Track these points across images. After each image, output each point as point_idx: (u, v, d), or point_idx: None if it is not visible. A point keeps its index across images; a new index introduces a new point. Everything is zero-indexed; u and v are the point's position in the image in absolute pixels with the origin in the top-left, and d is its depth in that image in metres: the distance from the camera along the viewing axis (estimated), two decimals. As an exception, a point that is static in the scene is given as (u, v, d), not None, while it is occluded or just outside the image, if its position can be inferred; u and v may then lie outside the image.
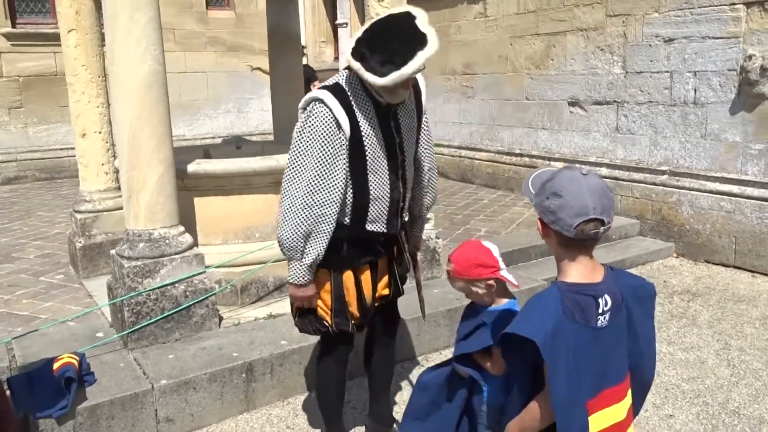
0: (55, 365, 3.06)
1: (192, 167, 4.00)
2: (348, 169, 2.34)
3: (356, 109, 2.32)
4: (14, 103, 9.75)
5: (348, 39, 10.73)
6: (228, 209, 4.14)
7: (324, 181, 2.30)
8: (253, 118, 11.88)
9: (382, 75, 2.15)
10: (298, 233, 2.33)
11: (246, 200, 4.13)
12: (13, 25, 9.68)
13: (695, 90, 5.62)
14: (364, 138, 2.33)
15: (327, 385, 2.80)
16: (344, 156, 2.31)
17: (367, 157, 2.36)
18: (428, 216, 4.55)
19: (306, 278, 2.42)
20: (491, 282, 2.16)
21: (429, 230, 4.55)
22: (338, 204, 2.34)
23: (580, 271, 1.72)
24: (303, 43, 11.57)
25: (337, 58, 12.12)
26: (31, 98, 9.73)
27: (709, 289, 5.05)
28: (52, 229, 6.53)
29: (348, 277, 2.52)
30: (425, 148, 2.70)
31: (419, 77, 2.54)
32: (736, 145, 5.38)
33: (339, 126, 2.28)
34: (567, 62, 6.86)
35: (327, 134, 2.27)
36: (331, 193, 2.31)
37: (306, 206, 2.31)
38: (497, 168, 8.03)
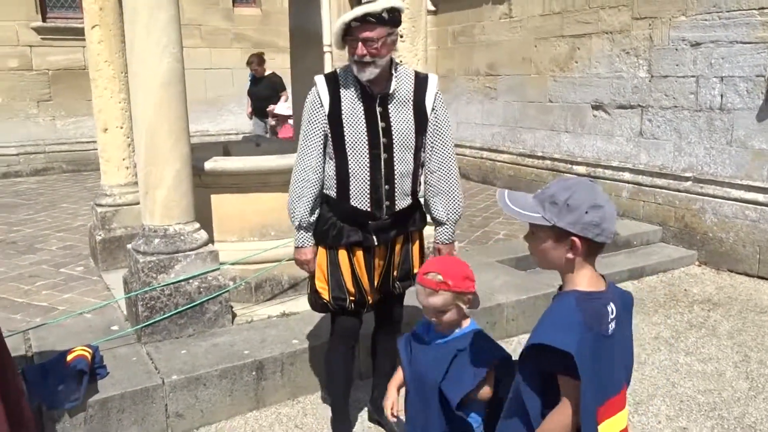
0: (69, 357, 3.10)
1: (209, 164, 4.03)
2: (327, 140, 2.65)
3: (342, 90, 2.61)
4: (43, 96, 9.92)
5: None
6: (244, 207, 4.16)
7: (305, 149, 2.66)
8: (277, 115, 11.91)
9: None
10: (293, 197, 2.71)
11: (262, 198, 4.14)
12: (44, 19, 9.85)
13: (722, 95, 5.51)
14: (343, 115, 2.60)
15: (333, 363, 2.98)
16: (322, 127, 2.63)
17: (345, 133, 2.60)
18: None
19: (299, 241, 2.77)
20: (470, 297, 2.12)
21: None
22: (318, 170, 2.68)
23: (591, 280, 1.69)
24: (328, 41, 11.58)
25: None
26: (59, 91, 9.89)
27: (731, 299, 4.95)
28: (75, 221, 6.64)
29: (342, 255, 2.74)
30: (435, 151, 2.74)
31: (431, 78, 2.72)
32: (763, 153, 5.26)
33: (321, 103, 2.61)
34: (591, 65, 6.78)
35: (311, 110, 2.65)
36: (310, 158, 2.66)
37: (295, 172, 2.71)
38: (519, 170, 7.96)
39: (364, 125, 2.61)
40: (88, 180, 9.22)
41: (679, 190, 5.94)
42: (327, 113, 2.60)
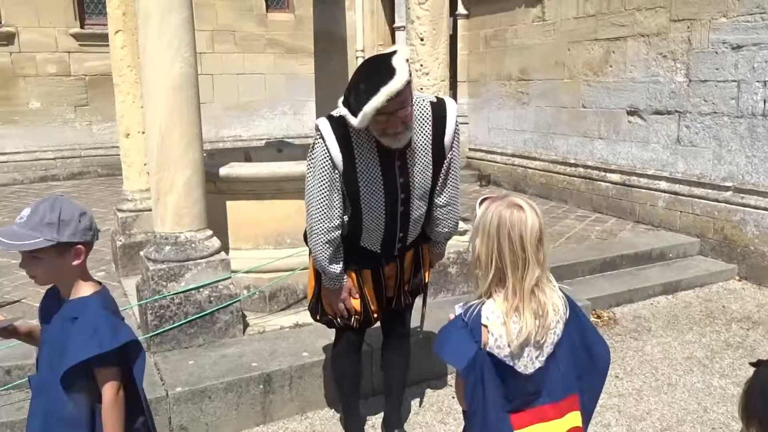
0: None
1: (224, 171, 3.97)
2: (342, 200, 2.45)
3: (355, 146, 2.35)
4: (80, 101, 10.09)
5: (403, 42, 10.62)
6: (259, 214, 4.09)
7: (326, 213, 2.42)
8: (309, 120, 11.89)
9: (355, 114, 2.18)
10: (322, 257, 2.50)
11: (277, 205, 4.06)
12: (82, 26, 10.02)
13: (765, 101, 5.22)
14: (359, 175, 2.38)
15: (341, 371, 2.95)
16: (336, 187, 2.40)
17: (361, 195, 2.41)
18: (465, 228, 4.41)
19: (336, 282, 2.60)
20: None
21: (466, 242, 4.36)
22: (339, 225, 2.49)
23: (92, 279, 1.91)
24: (361, 46, 11.54)
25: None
26: (96, 96, 10.03)
27: (772, 317, 4.67)
28: (103, 226, 6.64)
29: (351, 277, 2.63)
30: (446, 188, 2.60)
31: (450, 111, 2.47)
32: (809, 162, 4.97)
33: (334, 165, 2.35)
34: (626, 69, 6.53)
35: (324, 172, 2.37)
36: (333, 221, 2.44)
37: (319, 233, 2.46)
38: (551, 178, 7.74)
39: (382, 185, 2.41)
40: (122, 184, 9.29)
41: (718, 201, 5.66)
42: (341, 173, 2.37)
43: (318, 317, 2.80)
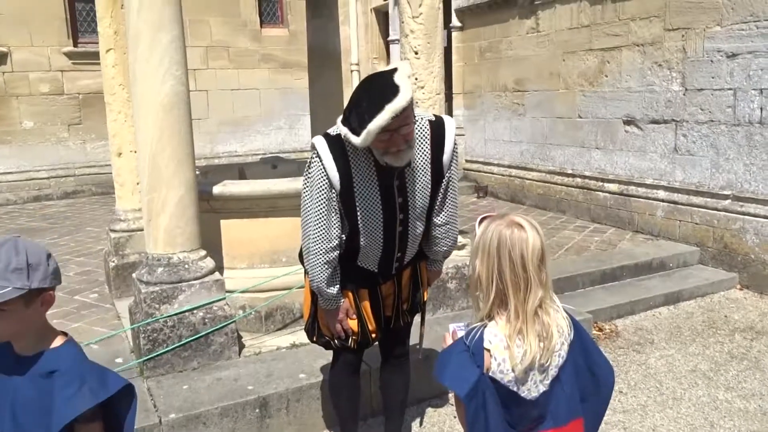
0: (64, 394, 2.98)
1: (217, 189, 3.91)
2: (340, 220, 2.38)
3: (353, 166, 2.29)
4: (74, 120, 10.04)
5: (398, 55, 10.59)
6: (254, 232, 4.03)
7: (324, 234, 2.35)
8: (305, 135, 11.84)
9: (357, 133, 2.11)
10: (319, 279, 2.43)
11: (272, 223, 4.00)
12: (75, 44, 9.99)
13: (761, 109, 5.18)
14: (356, 195, 2.32)
15: (338, 394, 2.87)
16: (333, 206, 2.34)
17: (359, 215, 2.35)
18: (464, 242, 4.35)
19: (333, 302, 2.53)
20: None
21: (465, 257, 4.31)
22: (337, 246, 2.41)
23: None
24: (355, 60, 11.51)
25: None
26: (89, 115, 9.99)
27: (776, 327, 4.61)
28: (97, 245, 6.60)
29: (348, 297, 2.55)
30: (444, 207, 2.54)
31: (448, 130, 2.42)
32: (808, 169, 4.92)
33: (331, 185, 2.28)
34: (622, 79, 6.50)
35: (321, 191, 2.30)
36: (330, 242, 2.38)
37: (317, 253, 2.39)
38: (548, 189, 7.69)
39: (380, 205, 2.36)
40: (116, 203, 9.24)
41: (717, 209, 5.61)
42: (338, 193, 2.31)
43: (315, 338, 2.73)
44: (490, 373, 1.66)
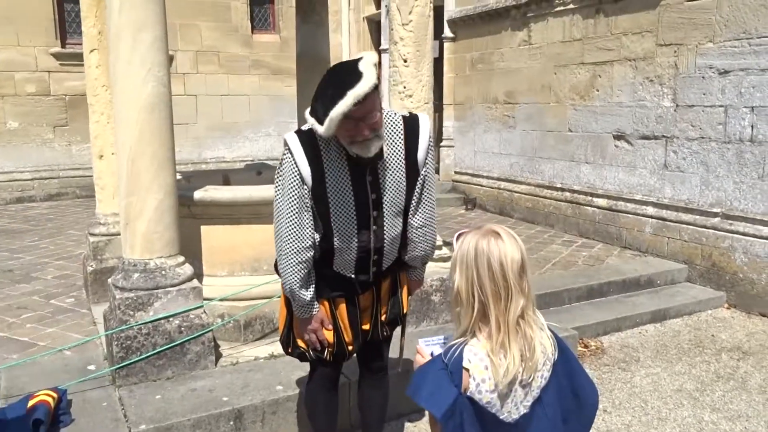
0: (30, 403, 2.87)
1: (198, 194, 3.81)
2: (313, 218, 2.31)
3: (324, 159, 2.23)
4: (60, 122, 9.92)
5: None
6: (235, 239, 3.93)
7: (297, 232, 2.28)
8: (294, 142, 11.79)
9: (321, 122, 2.06)
10: (292, 280, 2.33)
11: (254, 230, 3.90)
12: (63, 45, 9.89)
13: (752, 126, 5.16)
14: (328, 190, 2.26)
15: (314, 410, 2.79)
16: (305, 202, 2.27)
17: (331, 211, 2.28)
18: (449, 254, 4.27)
19: (307, 311, 2.43)
20: None
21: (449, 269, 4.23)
22: (314, 245, 2.33)
23: None
24: (346, 67, 11.46)
25: (379, 81, 11.96)
26: (76, 116, 9.85)
27: (763, 348, 4.55)
28: (78, 249, 6.47)
29: (324, 308, 2.47)
30: (420, 207, 2.46)
31: (423, 126, 2.37)
32: (798, 188, 4.89)
33: (302, 180, 2.23)
34: (613, 93, 6.48)
35: (293, 188, 2.24)
36: (304, 241, 2.30)
37: (289, 253, 2.30)
38: (537, 202, 7.64)
39: (353, 201, 2.28)
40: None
41: (706, 227, 5.57)
42: (310, 188, 2.24)
43: (290, 350, 2.64)
44: (468, 393, 1.59)
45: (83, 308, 4.63)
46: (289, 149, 2.23)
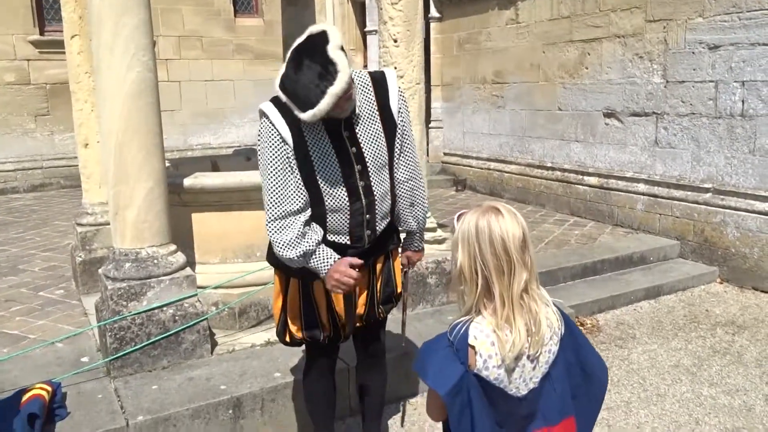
0: (24, 397, 2.81)
1: (188, 181, 3.74)
2: (300, 179, 2.29)
3: (301, 122, 2.22)
4: (41, 111, 9.73)
5: (377, 44, 10.43)
6: (227, 226, 3.87)
7: (284, 194, 2.26)
8: (281, 127, 11.68)
9: (302, 110, 2.11)
10: (282, 242, 2.27)
11: (246, 216, 3.84)
12: (41, 33, 9.67)
13: (743, 101, 5.15)
14: (310, 150, 2.27)
15: (312, 397, 2.77)
16: (290, 163, 2.26)
17: (316, 170, 2.28)
18: (444, 236, 4.24)
19: (325, 264, 2.30)
20: None
21: (445, 251, 4.20)
22: (304, 208, 2.29)
23: None
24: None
25: (366, 66, 11.87)
26: (57, 105, 9.67)
27: (757, 321, 4.57)
28: (64, 240, 6.38)
29: (318, 288, 2.44)
30: (402, 157, 2.48)
31: (390, 77, 2.43)
32: (789, 162, 4.90)
33: (283, 139, 2.23)
34: (602, 71, 6.44)
35: (275, 150, 2.24)
36: (293, 203, 2.26)
37: (274, 217, 2.27)
38: (528, 182, 7.62)
39: (335, 157, 2.30)
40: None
41: (698, 203, 5.58)
42: (292, 149, 2.25)
43: (288, 340, 2.60)
44: (475, 370, 1.57)
45: (73, 299, 4.55)
46: (266, 114, 2.26)
